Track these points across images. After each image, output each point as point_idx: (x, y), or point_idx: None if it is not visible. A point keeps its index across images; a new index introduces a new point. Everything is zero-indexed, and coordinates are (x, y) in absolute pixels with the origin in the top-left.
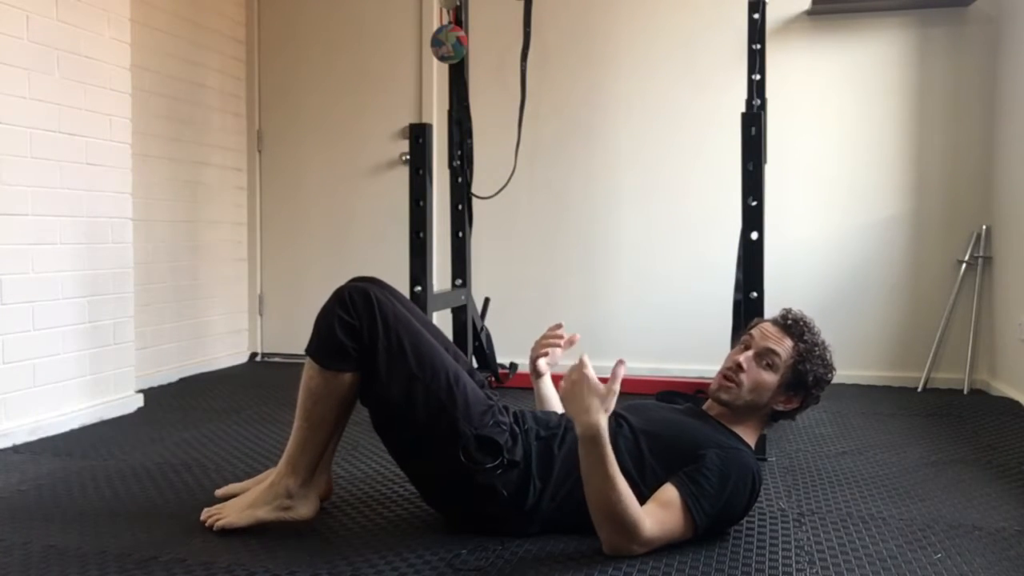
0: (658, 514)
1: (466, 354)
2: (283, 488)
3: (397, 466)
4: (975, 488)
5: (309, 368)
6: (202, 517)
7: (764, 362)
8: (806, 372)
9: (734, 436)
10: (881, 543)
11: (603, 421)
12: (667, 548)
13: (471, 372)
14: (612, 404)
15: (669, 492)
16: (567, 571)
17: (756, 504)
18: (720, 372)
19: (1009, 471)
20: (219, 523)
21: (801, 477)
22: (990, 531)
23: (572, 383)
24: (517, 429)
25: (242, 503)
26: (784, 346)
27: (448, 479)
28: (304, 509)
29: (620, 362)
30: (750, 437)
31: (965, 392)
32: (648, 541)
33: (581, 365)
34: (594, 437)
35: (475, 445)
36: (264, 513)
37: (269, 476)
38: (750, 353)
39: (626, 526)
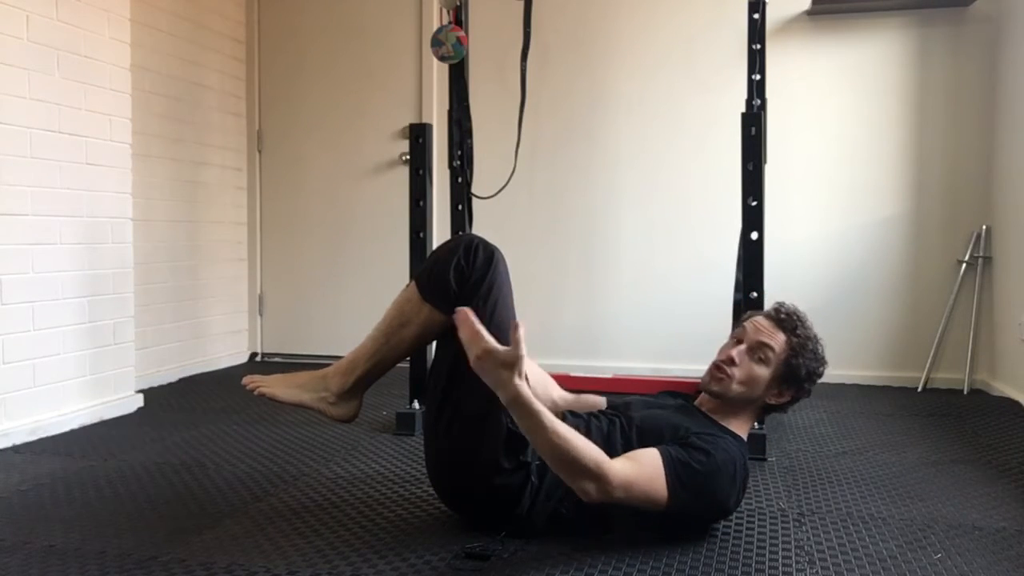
0: (633, 460)
1: None
2: (335, 384)
3: (401, 463)
4: (975, 488)
5: (409, 292)
6: (244, 381)
7: (757, 356)
8: (799, 366)
9: (725, 431)
10: (881, 543)
11: (518, 385)
12: (667, 548)
13: None
14: (523, 365)
15: (651, 451)
16: (567, 571)
17: (755, 504)
18: (712, 364)
19: (1009, 471)
20: (261, 390)
21: (801, 477)
22: (990, 531)
23: (478, 360)
24: None
25: (289, 381)
26: (777, 340)
27: (463, 456)
28: (342, 411)
29: (515, 326)
30: (742, 430)
31: (965, 392)
32: (620, 479)
33: (480, 342)
34: (514, 400)
35: (504, 437)
36: (308, 399)
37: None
38: (743, 347)
39: (588, 466)
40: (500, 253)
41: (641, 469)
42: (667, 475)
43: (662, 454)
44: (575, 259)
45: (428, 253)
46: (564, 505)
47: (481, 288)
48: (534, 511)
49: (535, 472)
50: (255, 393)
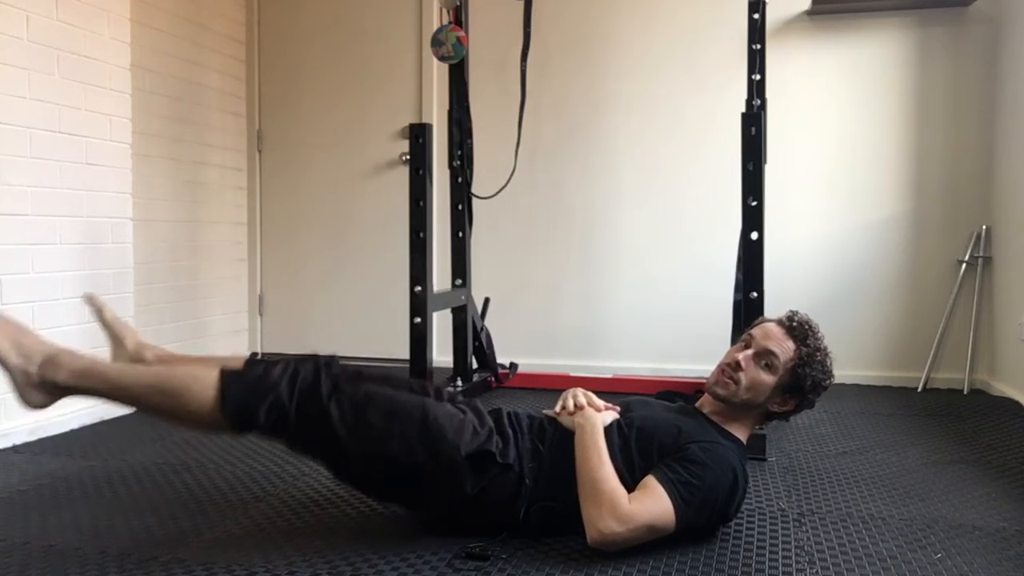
0: (639, 495)
1: (466, 354)
2: (51, 372)
3: None
4: (975, 488)
5: (213, 410)
6: None
7: (763, 362)
8: (804, 376)
9: (726, 434)
10: (881, 543)
11: (599, 420)
12: (667, 548)
13: (438, 390)
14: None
15: (649, 480)
16: (567, 571)
17: (755, 504)
18: (718, 367)
19: (1009, 471)
20: None
21: (801, 477)
22: (990, 531)
23: (582, 410)
24: (510, 431)
25: (18, 333)
26: (785, 348)
27: (450, 505)
28: (37, 398)
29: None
30: (742, 434)
31: (965, 392)
32: (629, 516)
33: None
34: (596, 426)
35: (470, 467)
36: (16, 362)
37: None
38: (750, 352)
39: (606, 494)
40: (326, 373)
41: (646, 502)
42: (673, 503)
43: (664, 486)
44: (575, 259)
45: (428, 253)
46: (561, 505)
47: (331, 415)
48: (530, 513)
49: (528, 475)
50: None
